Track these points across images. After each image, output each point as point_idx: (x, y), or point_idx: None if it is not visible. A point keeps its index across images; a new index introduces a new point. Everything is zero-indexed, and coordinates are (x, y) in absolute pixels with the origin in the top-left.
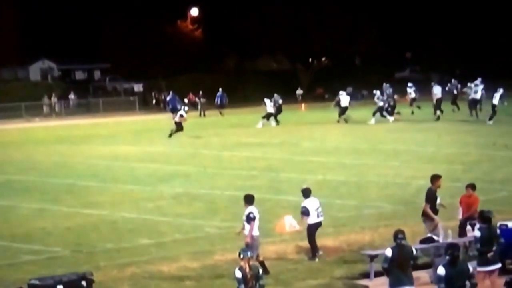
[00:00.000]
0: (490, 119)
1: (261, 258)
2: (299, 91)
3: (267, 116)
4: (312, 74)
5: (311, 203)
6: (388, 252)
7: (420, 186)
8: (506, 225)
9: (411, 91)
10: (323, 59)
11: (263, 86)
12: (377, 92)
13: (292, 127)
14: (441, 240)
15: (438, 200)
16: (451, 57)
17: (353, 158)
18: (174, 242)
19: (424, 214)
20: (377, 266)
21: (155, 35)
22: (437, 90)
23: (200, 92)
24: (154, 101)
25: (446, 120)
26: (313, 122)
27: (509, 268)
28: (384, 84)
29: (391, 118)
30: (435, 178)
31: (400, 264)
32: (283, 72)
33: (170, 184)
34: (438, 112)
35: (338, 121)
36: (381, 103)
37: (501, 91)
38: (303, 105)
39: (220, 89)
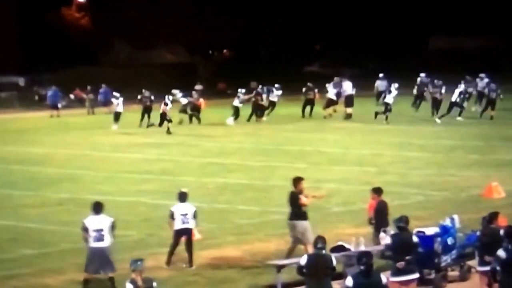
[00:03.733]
0: (440, 117)
1: (110, 274)
2: (198, 86)
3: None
4: (213, 67)
5: (180, 208)
6: (303, 260)
7: (330, 189)
8: (423, 232)
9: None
10: (225, 50)
11: (158, 80)
12: (242, 90)
13: (190, 126)
14: (352, 248)
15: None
16: (365, 50)
17: (257, 160)
18: (60, 252)
19: (295, 217)
20: (284, 277)
21: (36, 24)
22: (347, 86)
23: (88, 87)
24: (37, 97)
25: (357, 120)
26: (213, 121)
27: (428, 279)
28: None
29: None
30: (297, 181)
31: (316, 274)
32: (181, 65)
33: (55, 189)
34: (349, 110)
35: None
36: (240, 103)
37: (462, 87)
38: (202, 101)
39: (104, 85)
